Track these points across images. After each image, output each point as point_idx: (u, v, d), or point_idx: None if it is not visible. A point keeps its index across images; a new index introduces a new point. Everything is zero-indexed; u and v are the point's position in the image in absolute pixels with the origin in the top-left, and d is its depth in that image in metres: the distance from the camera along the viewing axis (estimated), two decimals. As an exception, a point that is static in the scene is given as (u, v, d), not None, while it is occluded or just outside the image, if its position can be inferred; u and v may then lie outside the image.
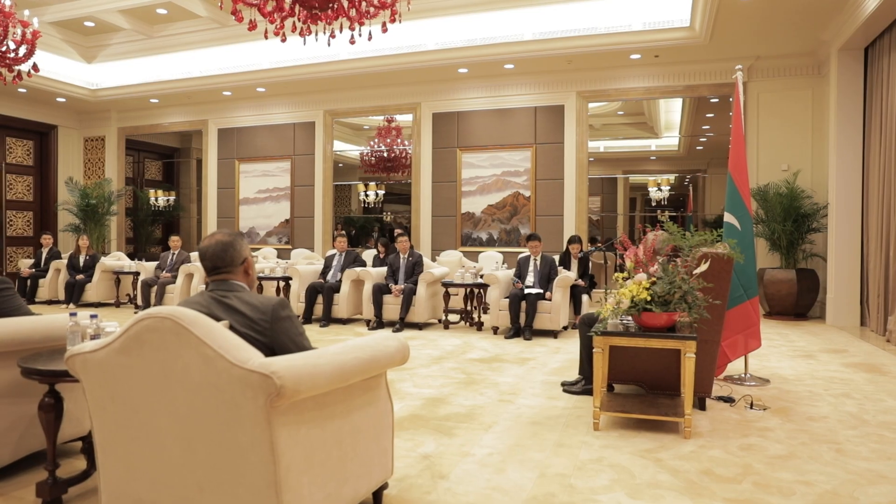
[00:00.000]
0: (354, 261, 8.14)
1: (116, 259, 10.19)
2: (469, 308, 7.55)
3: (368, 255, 9.41)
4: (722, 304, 3.89)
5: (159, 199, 14.15)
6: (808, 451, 3.12)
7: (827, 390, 4.38)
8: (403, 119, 11.43)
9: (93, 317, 2.64)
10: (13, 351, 2.68)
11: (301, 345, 2.12)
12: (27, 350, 2.73)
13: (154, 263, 9.44)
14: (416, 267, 7.55)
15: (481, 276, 7.46)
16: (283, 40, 5.46)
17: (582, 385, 4.29)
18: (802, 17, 7.23)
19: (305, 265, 8.66)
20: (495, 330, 6.99)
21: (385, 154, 11.73)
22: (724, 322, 4.10)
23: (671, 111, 12.57)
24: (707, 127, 12.87)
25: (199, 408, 1.89)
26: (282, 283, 8.44)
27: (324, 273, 8.16)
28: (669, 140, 14.00)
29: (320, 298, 7.77)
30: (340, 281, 7.81)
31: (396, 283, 7.51)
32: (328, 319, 7.64)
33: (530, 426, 3.56)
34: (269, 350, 2.06)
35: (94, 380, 2.08)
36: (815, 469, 2.89)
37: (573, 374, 4.77)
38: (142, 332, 1.93)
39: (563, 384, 4.47)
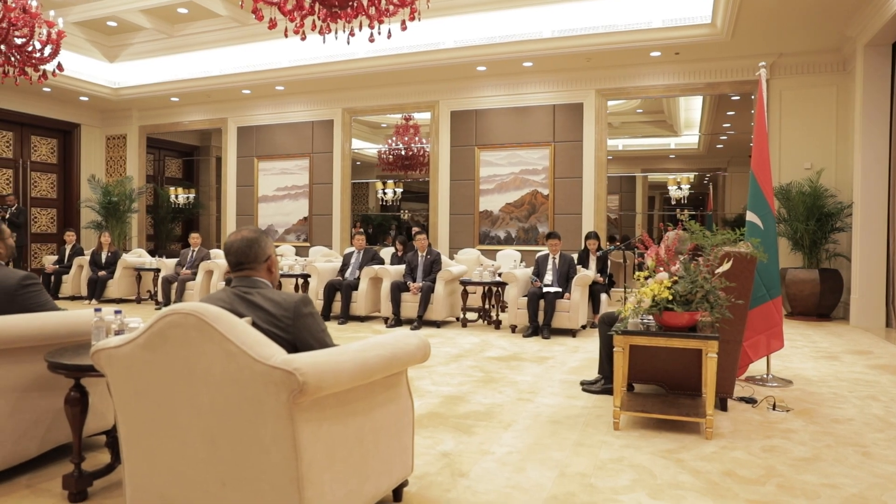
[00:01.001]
0: (373, 258, 8.16)
1: (138, 256, 10.33)
2: (487, 306, 7.54)
3: (386, 252, 9.43)
4: (744, 303, 3.84)
5: (179, 196, 14.30)
6: (833, 454, 3.07)
7: (852, 392, 4.31)
8: (421, 117, 11.43)
9: (117, 312, 2.68)
10: (41, 346, 2.72)
11: (323, 342, 2.13)
12: (54, 345, 2.77)
13: (174, 260, 9.54)
14: (434, 265, 7.55)
15: (499, 275, 7.44)
16: (303, 39, 5.49)
17: (601, 384, 4.26)
18: (827, 12, 7.11)
19: (324, 263, 8.70)
20: (513, 328, 6.97)
21: (403, 152, 11.74)
22: (746, 322, 4.05)
23: (691, 109, 12.43)
24: (728, 125, 12.71)
25: (222, 403, 1.90)
26: (300, 281, 8.50)
27: (342, 271, 8.19)
28: (689, 138, 13.84)
29: (338, 296, 7.80)
30: (359, 278, 7.84)
31: (414, 280, 7.52)
32: (346, 317, 7.68)
33: (550, 425, 3.54)
34: (292, 347, 2.07)
35: (119, 375, 2.10)
36: (840, 472, 2.84)
37: (592, 374, 4.74)
38: (166, 327, 1.95)
39: (582, 383, 4.45)
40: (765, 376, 4.61)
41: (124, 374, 2.09)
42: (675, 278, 3.42)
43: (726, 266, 3.53)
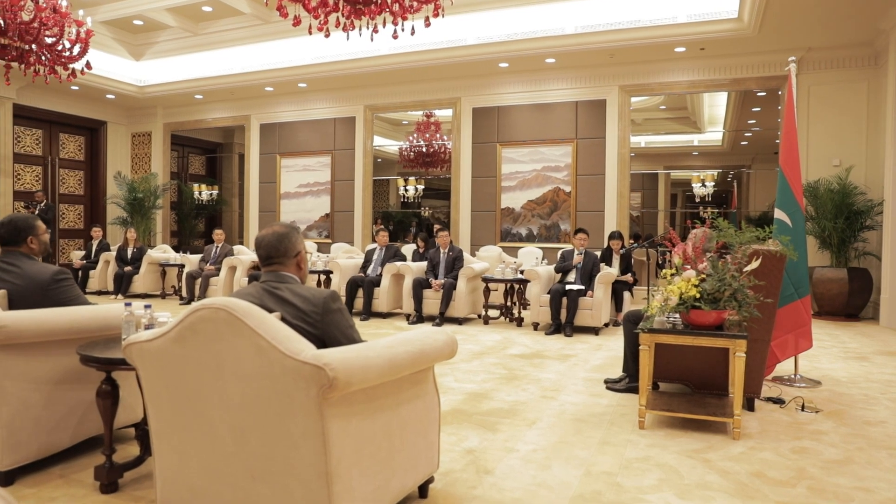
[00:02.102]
0: (395, 255, 8.18)
1: (162, 252, 10.47)
2: (509, 303, 7.51)
3: (407, 249, 9.45)
4: (773, 302, 3.78)
5: (203, 193, 14.46)
6: (865, 457, 3.01)
7: (884, 394, 4.22)
8: (443, 114, 11.42)
9: (147, 307, 2.71)
10: (73, 339, 2.77)
11: (351, 337, 2.14)
12: (85, 338, 2.81)
13: (198, 256, 9.65)
14: (456, 262, 7.54)
15: (521, 272, 7.41)
16: (327, 36, 5.51)
17: (626, 383, 4.22)
18: (858, 4, 6.96)
19: (346, 259, 8.75)
20: (535, 326, 6.94)
21: (424, 149, 11.75)
22: (774, 321, 3.99)
23: (715, 105, 12.27)
24: (753, 121, 12.52)
25: (252, 398, 1.91)
26: (323, 277, 8.54)
27: (364, 267, 8.23)
28: (713, 135, 13.67)
29: (360, 292, 7.83)
30: (381, 275, 7.86)
31: (436, 277, 7.52)
32: (368, 313, 7.70)
33: (574, 423, 3.52)
34: (320, 342, 2.08)
35: (150, 368, 2.13)
36: (873, 475, 2.79)
37: (615, 372, 4.71)
38: (196, 322, 1.97)
39: (606, 381, 4.41)
40: (793, 376, 4.54)
41: (155, 368, 2.11)
42: (703, 276, 3.37)
43: (755, 264, 3.48)
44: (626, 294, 7.24)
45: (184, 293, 9.21)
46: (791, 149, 4.70)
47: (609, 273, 6.85)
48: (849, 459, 2.98)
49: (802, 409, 3.81)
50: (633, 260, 7.76)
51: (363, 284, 7.79)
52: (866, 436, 3.33)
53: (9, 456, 2.57)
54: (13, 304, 2.80)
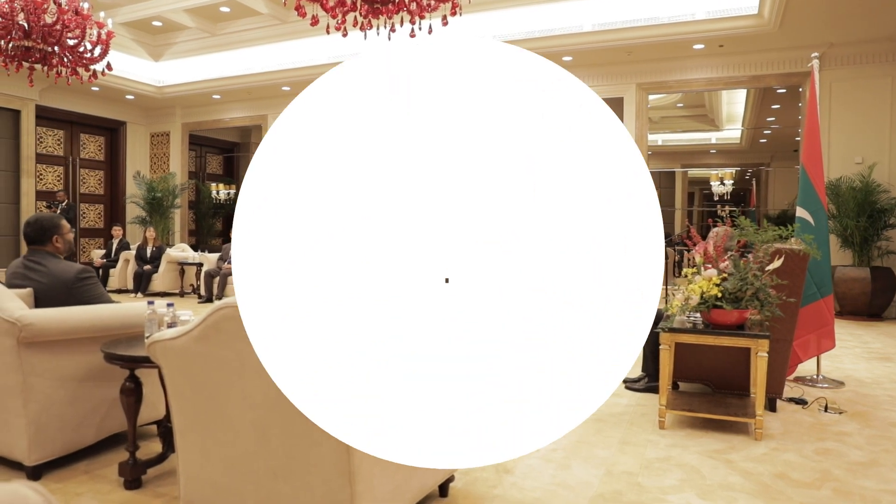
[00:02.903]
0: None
1: (181, 251, 10.56)
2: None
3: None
4: (795, 301, 3.73)
5: (220, 192, 14.57)
6: (892, 459, 2.96)
7: (908, 395, 4.15)
8: (458, 113, 11.41)
9: (169, 305, 2.73)
10: (97, 337, 2.80)
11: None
12: (108, 336, 2.84)
13: (216, 255, 9.73)
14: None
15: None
16: (345, 35, 5.53)
17: (645, 382, 4.20)
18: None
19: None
20: (552, 325, 6.91)
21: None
22: (796, 321, 3.94)
23: (734, 103, 12.15)
24: (772, 119, 12.38)
25: (274, 396, 1.92)
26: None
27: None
28: (731, 133, 13.54)
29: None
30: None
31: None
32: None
33: (593, 423, 3.50)
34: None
35: (174, 366, 2.15)
36: (900, 477, 2.74)
37: (634, 371, 4.67)
38: (220, 320, 1.98)
39: (625, 381, 4.38)
40: (815, 377, 4.48)
41: (178, 366, 2.13)
42: (725, 275, 3.34)
43: (777, 263, 3.44)
44: (644, 293, 7.19)
45: (202, 291, 9.29)
46: (813, 146, 4.64)
47: (627, 272, 6.80)
48: (875, 461, 2.93)
49: (826, 410, 3.76)
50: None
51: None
52: (892, 437, 3.27)
53: (36, 451, 2.61)
54: (39, 303, 2.85)
